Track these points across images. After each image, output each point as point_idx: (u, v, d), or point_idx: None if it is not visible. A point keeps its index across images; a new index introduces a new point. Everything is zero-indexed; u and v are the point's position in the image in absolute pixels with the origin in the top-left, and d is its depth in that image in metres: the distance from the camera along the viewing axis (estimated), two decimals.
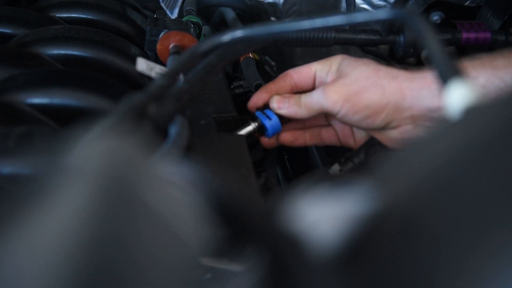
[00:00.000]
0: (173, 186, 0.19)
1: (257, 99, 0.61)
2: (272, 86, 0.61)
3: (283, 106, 0.58)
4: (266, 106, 0.61)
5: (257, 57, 0.88)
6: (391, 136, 0.57)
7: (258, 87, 0.64)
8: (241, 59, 0.71)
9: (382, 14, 0.39)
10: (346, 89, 0.55)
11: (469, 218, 0.19)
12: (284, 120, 0.60)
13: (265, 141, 0.62)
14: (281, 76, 0.61)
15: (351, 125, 0.60)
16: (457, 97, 0.31)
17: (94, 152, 0.18)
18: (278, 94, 0.60)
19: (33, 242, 0.16)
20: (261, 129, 0.60)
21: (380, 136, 0.58)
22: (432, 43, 0.34)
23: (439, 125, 0.24)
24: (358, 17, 0.40)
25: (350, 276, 0.20)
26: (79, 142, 0.19)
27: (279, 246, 0.19)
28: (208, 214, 0.20)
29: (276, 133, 0.60)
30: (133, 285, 0.16)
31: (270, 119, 0.59)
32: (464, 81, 0.31)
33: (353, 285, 0.19)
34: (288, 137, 0.62)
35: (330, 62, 0.58)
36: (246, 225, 0.20)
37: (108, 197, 0.17)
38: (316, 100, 0.57)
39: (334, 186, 0.23)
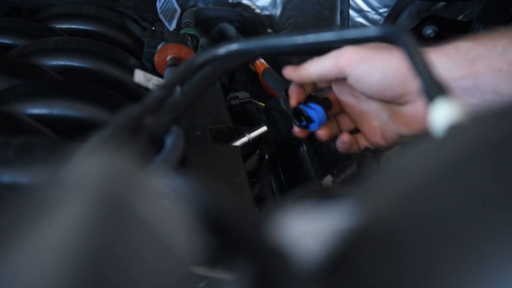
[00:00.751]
0: (165, 198, 0.20)
1: (295, 95, 0.60)
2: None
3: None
4: (307, 100, 0.60)
5: (253, 68, 0.89)
6: (405, 114, 0.56)
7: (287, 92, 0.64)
8: (261, 72, 0.71)
9: (372, 31, 0.40)
10: (363, 50, 0.53)
11: (446, 234, 0.20)
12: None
13: (298, 131, 0.61)
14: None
15: (365, 95, 0.58)
16: (442, 115, 0.32)
17: (90, 166, 0.19)
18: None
19: (32, 253, 0.17)
20: (306, 121, 0.59)
21: (394, 115, 0.57)
22: (419, 61, 0.35)
23: (422, 142, 0.25)
24: (349, 34, 0.41)
25: (333, 286, 0.21)
26: (75, 156, 0.20)
27: (265, 258, 0.20)
28: (198, 226, 0.21)
29: (322, 124, 0.59)
30: None
31: (315, 110, 0.58)
32: (449, 99, 0.33)
33: None
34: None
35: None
36: (235, 237, 0.21)
37: (103, 210, 0.18)
38: (331, 60, 0.55)
39: (320, 201, 0.24)
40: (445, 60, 0.51)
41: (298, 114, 0.59)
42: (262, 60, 0.74)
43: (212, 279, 0.20)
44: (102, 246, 0.17)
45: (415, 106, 0.55)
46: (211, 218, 0.22)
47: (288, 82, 0.63)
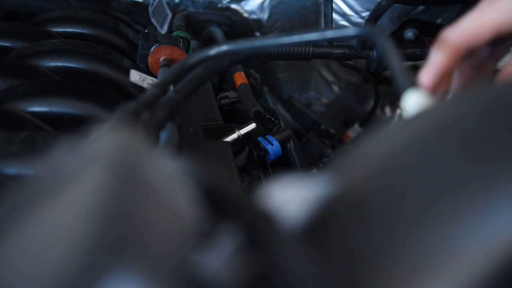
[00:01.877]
0: (171, 171, 0.24)
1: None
2: None
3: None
4: (266, 133, 0.66)
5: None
6: None
7: (256, 113, 0.69)
8: (237, 85, 0.75)
9: (351, 31, 0.44)
10: None
11: (409, 198, 0.24)
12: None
13: None
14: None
15: None
16: (412, 103, 0.36)
17: (106, 142, 0.22)
18: None
19: (57, 217, 0.20)
20: (263, 153, 0.65)
21: None
22: (393, 57, 0.39)
23: (392, 124, 0.29)
24: (330, 33, 0.44)
25: (313, 246, 0.24)
26: (92, 134, 0.23)
27: (254, 221, 0.24)
28: (197, 196, 0.24)
29: (277, 157, 0.65)
30: (135, 246, 0.20)
31: (272, 144, 0.64)
32: (418, 91, 0.36)
33: (316, 254, 0.24)
34: None
35: None
36: (228, 206, 0.25)
37: (118, 178, 0.21)
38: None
39: (301, 176, 0.27)
40: None
41: (256, 145, 0.65)
42: (243, 74, 0.78)
43: (210, 240, 0.23)
44: (118, 209, 0.20)
45: None
46: (207, 190, 0.25)
47: (258, 105, 0.68)
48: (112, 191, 0.20)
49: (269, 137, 0.65)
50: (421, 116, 0.27)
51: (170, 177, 0.23)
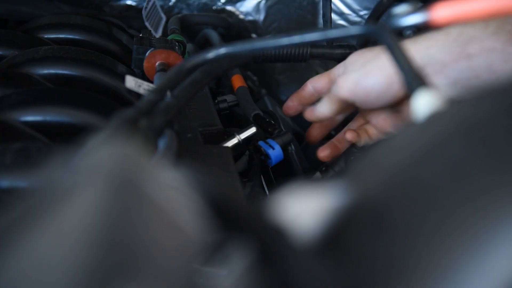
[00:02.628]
0: (173, 184, 0.22)
1: (287, 108, 0.67)
2: (294, 95, 0.66)
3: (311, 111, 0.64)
4: (268, 137, 0.65)
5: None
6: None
7: (256, 117, 0.67)
8: (235, 89, 0.74)
9: (354, 30, 0.42)
10: (353, 75, 0.57)
11: (432, 209, 0.22)
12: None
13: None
14: (302, 87, 0.66)
15: (375, 109, 0.62)
16: (423, 104, 0.34)
17: (103, 154, 0.20)
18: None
19: (54, 237, 0.19)
20: (264, 157, 0.64)
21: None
22: (400, 55, 0.37)
23: (406, 127, 0.27)
24: (333, 33, 0.43)
25: (329, 261, 0.22)
26: (88, 146, 0.21)
27: (265, 236, 0.22)
28: (203, 210, 0.23)
29: (279, 161, 0.64)
30: (142, 267, 0.18)
31: (273, 148, 0.62)
32: (429, 90, 0.35)
33: (332, 268, 0.22)
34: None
35: (344, 62, 0.61)
36: (236, 219, 0.23)
37: (119, 194, 0.19)
38: (335, 93, 0.60)
39: (314, 185, 0.26)
40: (436, 47, 0.53)
41: (257, 150, 0.63)
42: (241, 77, 0.76)
43: (219, 257, 0.22)
44: (120, 227, 0.19)
45: None
46: (215, 202, 0.24)
47: (257, 108, 0.67)
48: (113, 208, 0.19)
49: (270, 141, 0.63)
50: (440, 118, 0.26)
51: (173, 189, 0.22)
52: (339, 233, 0.23)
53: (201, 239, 0.21)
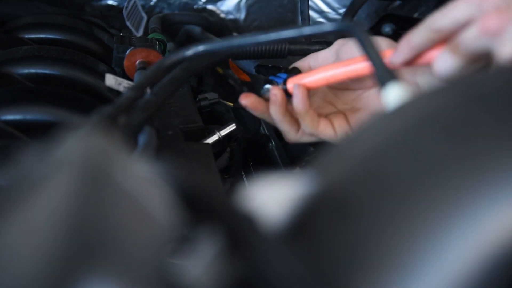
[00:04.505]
0: (145, 174, 0.23)
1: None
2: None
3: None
4: (277, 72, 0.61)
5: (221, 71, 0.92)
6: None
7: (258, 67, 0.65)
8: None
9: (328, 27, 0.43)
10: None
11: (392, 193, 0.23)
12: None
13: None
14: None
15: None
16: (393, 96, 0.35)
17: (76, 147, 0.21)
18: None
19: (27, 224, 0.19)
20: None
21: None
22: (372, 51, 0.38)
23: (372, 118, 0.28)
24: (308, 30, 0.44)
25: (296, 246, 0.23)
26: (62, 141, 0.22)
27: (234, 222, 0.23)
28: (174, 200, 0.23)
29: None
30: (110, 253, 0.19)
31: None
32: (398, 83, 0.36)
33: (299, 254, 0.23)
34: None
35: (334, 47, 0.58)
36: (206, 208, 0.24)
37: (89, 183, 0.20)
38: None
39: (282, 175, 0.26)
40: None
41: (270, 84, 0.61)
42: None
43: (190, 244, 0.23)
44: (89, 214, 0.20)
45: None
46: (184, 193, 0.24)
47: (256, 61, 0.65)
48: (83, 197, 0.19)
49: (280, 74, 0.60)
50: (400, 109, 0.27)
51: (145, 181, 0.22)
52: (305, 220, 0.24)
53: (171, 228, 0.22)
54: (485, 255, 0.22)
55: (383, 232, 0.22)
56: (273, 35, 0.47)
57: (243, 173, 0.65)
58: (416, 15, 0.90)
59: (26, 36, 0.73)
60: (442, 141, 0.24)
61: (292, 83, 0.55)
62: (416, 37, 0.42)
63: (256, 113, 0.58)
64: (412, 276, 0.21)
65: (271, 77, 0.59)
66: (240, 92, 0.89)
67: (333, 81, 0.53)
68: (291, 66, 0.61)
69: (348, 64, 0.49)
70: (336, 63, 0.52)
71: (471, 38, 0.38)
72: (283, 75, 0.58)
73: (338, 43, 0.56)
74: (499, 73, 0.26)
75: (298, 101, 0.53)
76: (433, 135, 0.24)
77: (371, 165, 0.24)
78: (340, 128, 0.55)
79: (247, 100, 0.57)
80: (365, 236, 0.23)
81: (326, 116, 0.57)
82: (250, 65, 0.67)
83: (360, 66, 0.47)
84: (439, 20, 0.41)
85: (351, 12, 0.61)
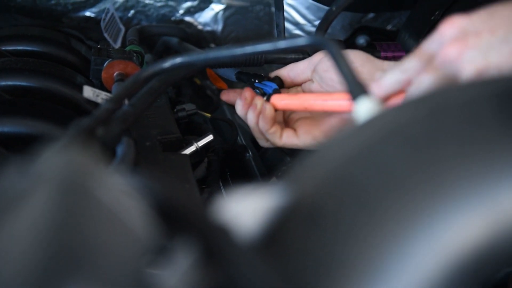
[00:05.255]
0: (122, 188, 0.24)
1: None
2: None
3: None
4: (261, 80, 0.64)
5: (199, 82, 0.92)
6: None
7: (239, 74, 0.67)
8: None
9: (302, 41, 0.44)
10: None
11: (359, 204, 0.24)
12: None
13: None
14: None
15: None
16: (363, 110, 0.36)
17: (55, 161, 0.22)
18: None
19: (6, 238, 0.20)
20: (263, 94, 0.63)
21: None
22: (344, 65, 0.40)
23: (342, 131, 0.30)
24: (282, 44, 0.45)
25: (269, 256, 0.24)
26: (43, 155, 0.23)
27: (210, 234, 0.24)
28: (150, 211, 0.24)
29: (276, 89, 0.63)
30: (88, 264, 0.20)
31: (270, 87, 0.62)
32: (369, 97, 0.37)
33: (271, 263, 0.24)
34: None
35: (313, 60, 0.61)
36: (182, 220, 0.25)
37: (67, 197, 0.21)
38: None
39: (258, 187, 0.27)
40: None
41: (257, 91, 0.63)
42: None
43: (166, 254, 0.23)
44: (67, 228, 0.20)
45: None
46: (161, 205, 0.25)
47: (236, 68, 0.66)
48: (61, 212, 0.20)
49: (265, 82, 0.63)
50: (370, 123, 0.28)
51: (121, 193, 0.23)
52: (278, 230, 0.25)
53: (148, 239, 0.23)
54: (446, 263, 0.23)
55: (349, 241, 0.24)
56: (249, 48, 0.48)
57: (220, 183, 0.66)
58: (389, 27, 0.93)
59: (3, 48, 0.73)
60: (406, 154, 0.25)
61: (274, 101, 0.59)
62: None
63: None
64: (375, 283, 0.22)
65: (257, 85, 0.62)
66: (218, 103, 0.90)
67: (310, 110, 0.57)
68: (273, 75, 0.63)
69: (326, 99, 0.53)
70: (317, 94, 0.57)
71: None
72: (269, 84, 0.61)
73: (317, 56, 0.59)
74: (460, 90, 0.27)
75: (264, 122, 0.59)
76: (398, 148, 0.25)
77: (339, 177, 0.26)
78: (304, 136, 0.60)
79: (227, 97, 0.64)
80: (332, 244, 0.24)
81: (296, 120, 0.62)
82: (230, 72, 0.68)
83: (337, 103, 0.51)
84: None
85: (324, 24, 0.62)
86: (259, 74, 0.65)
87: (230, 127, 0.74)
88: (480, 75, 0.37)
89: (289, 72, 0.64)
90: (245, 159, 0.71)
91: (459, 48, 0.39)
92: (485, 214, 0.23)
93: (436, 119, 0.25)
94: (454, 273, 0.23)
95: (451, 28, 0.41)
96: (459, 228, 0.23)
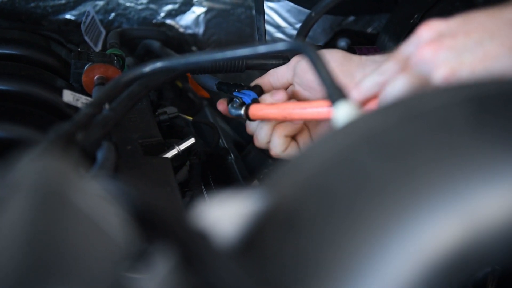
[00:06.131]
0: (100, 194, 0.24)
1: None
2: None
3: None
4: (240, 88, 0.63)
5: (181, 85, 0.92)
6: None
7: (220, 84, 0.67)
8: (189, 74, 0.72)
9: (281, 45, 0.45)
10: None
11: (336, 209, 0.25)
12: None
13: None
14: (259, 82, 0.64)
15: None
16: (342, 115, 0.37)
17: (33, 168, 0.22)
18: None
19: None
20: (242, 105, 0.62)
21: None
22: (323, 70, 0.40)
23: (321, 136, 0.30)
24: (262, 49, 0.45)
25: (247, 261, 0.25)
26: (21, 161, 0.23)
27: (187, 239, 0.24)
28: (128, 217, 0.24)
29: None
30: (68, 271, 0.20)
31: (249, 95, 0.60)
32: (347, 102, 0.38)
33: (250, 268, 0.24)
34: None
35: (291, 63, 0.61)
36: (161, 226, 0.25)
37: (44, 204, 0.21)
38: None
39: (238, 192, 0.28)
40: None
41: (232, 99, 0.62)
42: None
43: (144, 260, 0.24)
44: (43, 235, 0.20)
45: None
46: (139, 210, 0.25)
47: (217, 78, 0.66)
48: (37, 219, 0.20)
49: (244, 91, 0.61)
50: (347, 128, 0.29)
51: (99, 199, 0.23)
52: (256, 235, 0.25)
53: (126, 245, 0.23)
54: (423, 265, 0.23)
55: (324, 245, 0.24)
56: (229, 53, 0.48)
57: (202, 186, 0.66)
58: (369, 30, 0.93)
59: None
60: (379, 160, 0.25)
61: (253, 111, 0.59)
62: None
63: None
64: (351, 285, 0.22)
65: (235, 94, 0.61)
66: (200, 106, 0.90)
67: (290, 119, 0.56)
68: (253, 84, 0.63)
69: (305, 107, 0.52)
70: (296, 103, 0.56)
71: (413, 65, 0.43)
72: (248, 92, 0.61)
73: (294, 60, 0.59)
74: (433, 95, 0.28)
75: (262, 136, 0.59)
76: (371, 154, 0.26)
77: (315, 183, 0.26)
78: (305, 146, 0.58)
79: (223, 107, 0.64)
80: (309, 249, 0.24)
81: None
82: (211, 82, 0.68)
83: (316, 110, 0.50)
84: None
85: (305, 29, 0.63)
86: (239, 83, 0.65)
87: (212, 130, 0.74)
88: (453, 75, 0.38)
89: (269, 78, 0.63)
90: (227, 162, 0.71)
91: (434, 49, 0.40)
92: (459, 217, 0.24)
93: (409, 125, 0.26)
94: (431, 274, 0.23)
95: (428, 31, 0.42)
96: (434, 232, 0.23)
